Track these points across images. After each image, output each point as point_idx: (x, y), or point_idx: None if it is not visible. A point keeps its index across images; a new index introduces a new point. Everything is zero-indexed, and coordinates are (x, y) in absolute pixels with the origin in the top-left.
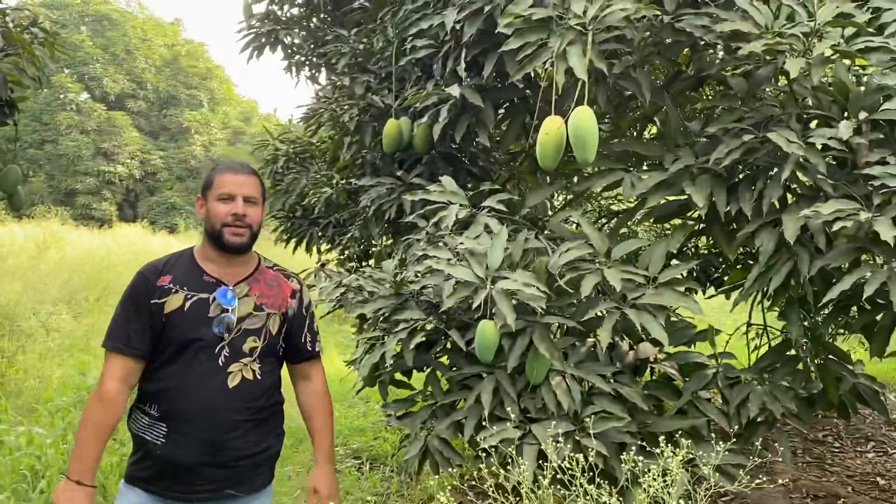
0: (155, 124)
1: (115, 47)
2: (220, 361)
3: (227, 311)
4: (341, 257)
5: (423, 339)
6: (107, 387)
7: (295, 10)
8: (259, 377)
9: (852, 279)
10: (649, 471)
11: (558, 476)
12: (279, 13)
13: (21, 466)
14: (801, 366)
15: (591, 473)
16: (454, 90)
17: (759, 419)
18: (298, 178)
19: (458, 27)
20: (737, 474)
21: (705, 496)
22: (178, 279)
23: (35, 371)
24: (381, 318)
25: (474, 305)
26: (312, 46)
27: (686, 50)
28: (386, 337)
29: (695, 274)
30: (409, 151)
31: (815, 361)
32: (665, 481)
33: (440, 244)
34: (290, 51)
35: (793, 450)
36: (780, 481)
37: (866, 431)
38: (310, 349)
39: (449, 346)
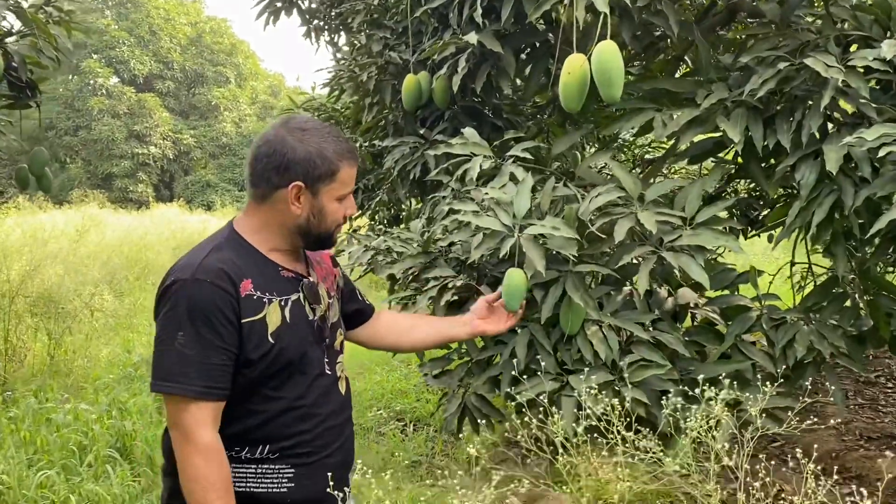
0: (184, 103)
1: (139, 29)
2: (326, 369)
3: (317, 310)
4: (372, 222)
5: (455, 296)
6: (202, 438)
7: None
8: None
9: None
10: (691, 415)
11: (595, 425)
12: None
13: (70, 442)
14: (849, 303)
15: (628, 420)
16: (471, 38)
17: (806, 360)
18: None
19: None
20: (785, 417)
21: (752, 439)
22: (260, 283)
23: (83, 351)
24: (411, 278)
25: (501, 254)
26: (328, 8)
27: None
28: (417, 296)
29: (736, 216)
30: (430, 108)
31: (865, 298)
32: (709, 424)
33: (465, 198)
34: (307, 16)
35: (844, 391)
36: (832, 422)
37: None
38: (369, 303)
39: None
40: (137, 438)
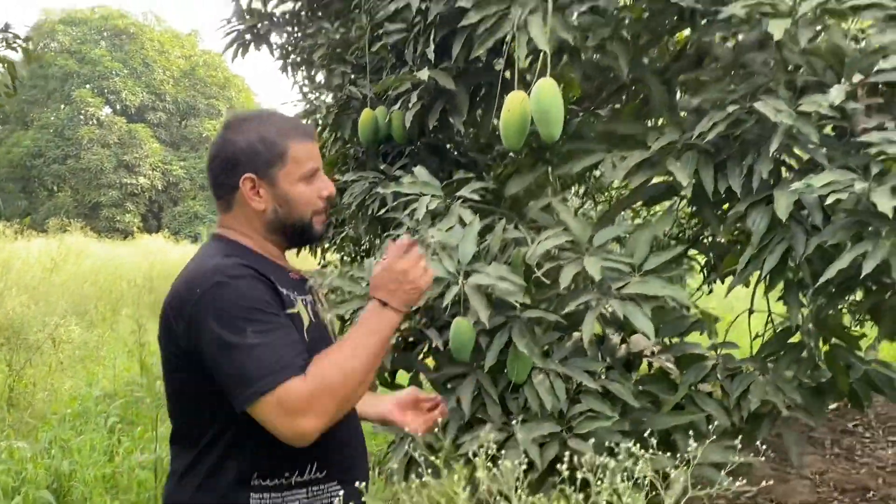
0: (175, 135)
1: (133, 60)
2: None
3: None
4: (342, 258)
5: (400, 339)
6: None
7: (284, 6)
8: None
9: (851, 256)
10: (607, 472)
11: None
12: (264, 9)
13: None
14: (805, 353)
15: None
16: (423, 74)
17: (762, 412)
18: None
19: (423, 7)
20: (744, 471)
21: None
22: (280, 281)
23: (44, 384)
24: None
25: (445, 302)
26: (300, 42)
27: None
28: None
29: (701, 263)
30: (392, 143)
31: (822, 348)
32: (625, 483)
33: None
34: (284, 51)
35: (820, 441)
36: (808, 473)
37: None
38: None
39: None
40: (75, 479)
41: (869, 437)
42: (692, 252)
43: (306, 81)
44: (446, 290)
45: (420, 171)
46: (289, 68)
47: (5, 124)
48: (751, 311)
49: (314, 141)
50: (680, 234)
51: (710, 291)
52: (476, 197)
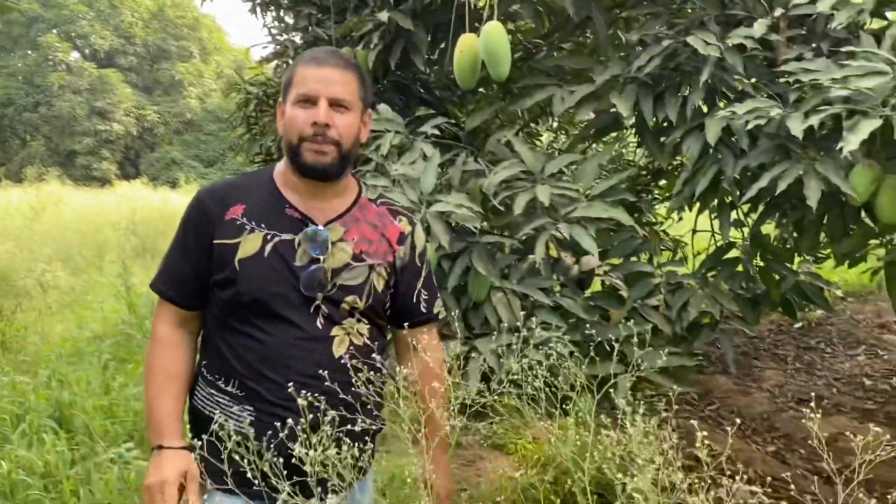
0: (147, 79)
1: (99, 2)
2: (313, 322)
3: (318, 260)
4: None
5: None
6: (158, 331)
7: None
8: (368, 342)
9: (770, 176)
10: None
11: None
12: None
13: (3, 412)
14: (740, 267)
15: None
16: (382, 15)
17: (701, 322)
18: (273, 120)
19: None
20: (683, 375)
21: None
22: (254, 211)
23: (35, 328)
24: None
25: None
26: None
27: None
28: None
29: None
30: None
31: (755, 264)
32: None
33: (379, 173)
34: None
35: (783, 357)
36: (766, 386)
37: (858, 335)
38: (424, 310)
39: None
40: (76, 409)
41: (829, 353)
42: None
43: (275, 22)
44: None
45: (383, 108)
46: (257, 9)
47: None
48: (694, 232)
49: (323, 68)
50: (631, 164)
51: (680, 219)
52: (436, 132)
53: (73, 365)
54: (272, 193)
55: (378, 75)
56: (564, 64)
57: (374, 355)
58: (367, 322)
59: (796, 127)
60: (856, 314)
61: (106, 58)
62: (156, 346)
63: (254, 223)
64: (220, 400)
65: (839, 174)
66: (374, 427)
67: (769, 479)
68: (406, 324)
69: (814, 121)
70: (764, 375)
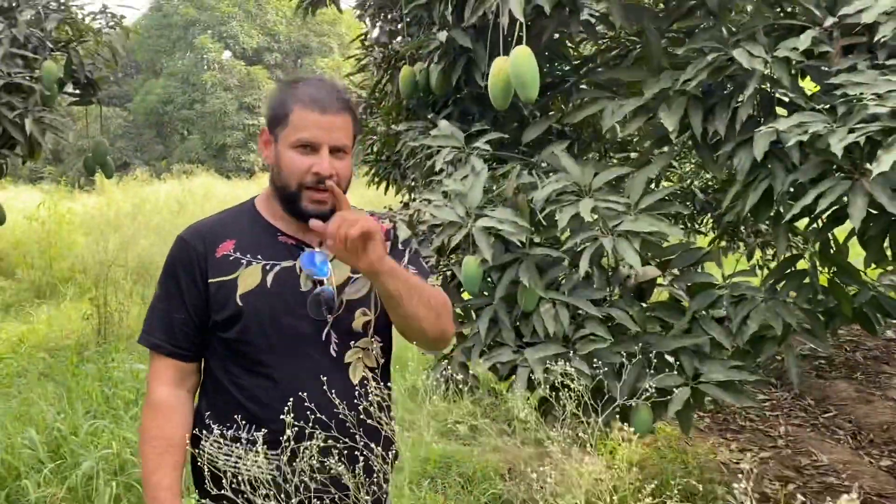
0: (291, 75)
1: (247, 3)
2: (328, 349)
3: (322, 281)
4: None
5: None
6: (155, 393)
7: None
8: (381, 363)
9: (815, 193)
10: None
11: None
12: None
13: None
14: (807, 280)
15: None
16: (441, 36)
17: (764, 336)
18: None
19: None
20: (744, 389)
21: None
22: (246, 244)
23: None
24: None
25: (453, 243)
26: None
27: None
28: None
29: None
30: (440, 94)
31: (821, 276)
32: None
33: (435, 188)
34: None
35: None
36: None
37: None
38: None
39: None
40: None
41: None
42: None
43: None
44: (456, 233)
45: (443, 124)
46: (366, 18)
47: (139, 73)
48: (763, 243)
49: (326, 114)
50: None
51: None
52: (488, 147)
53: None
54: (260, 224)
55: (447, 90)
56: (619, 76)
57: (388, 384)
58: (379, 340)
59: (836, 144)
60: None
61: (253, 55)
62: (153, 411)
63: (249, 256)
64: (233, 449)
65: (886, 192)
66: (391, 455)
67: (876, 496)
68: None
69: (852, 138)
70: (892, 383)
